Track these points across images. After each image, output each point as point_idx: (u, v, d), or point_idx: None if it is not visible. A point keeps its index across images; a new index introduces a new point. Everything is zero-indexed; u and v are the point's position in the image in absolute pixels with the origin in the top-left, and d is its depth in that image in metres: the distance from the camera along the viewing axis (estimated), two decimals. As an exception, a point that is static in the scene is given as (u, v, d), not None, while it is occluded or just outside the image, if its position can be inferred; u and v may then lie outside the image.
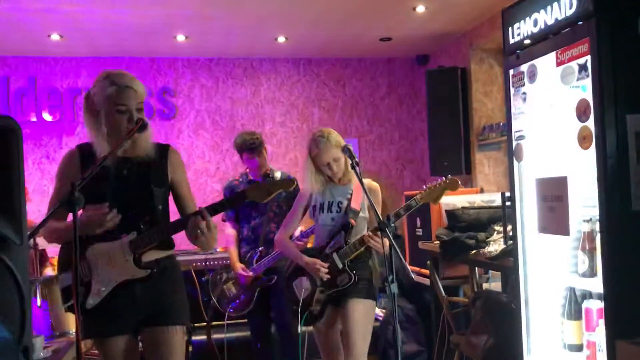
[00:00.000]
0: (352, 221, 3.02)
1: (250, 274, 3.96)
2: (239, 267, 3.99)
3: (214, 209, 2.32)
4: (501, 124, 5.09)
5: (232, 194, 4.08)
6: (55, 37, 5.16)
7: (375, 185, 3.11)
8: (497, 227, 3.75)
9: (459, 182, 3.03)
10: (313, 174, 3.10)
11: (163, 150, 2.47)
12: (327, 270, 3.01)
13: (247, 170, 4.20)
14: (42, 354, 2.68)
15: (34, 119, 5.76)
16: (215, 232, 2.31)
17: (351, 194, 3.07)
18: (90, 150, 2.37)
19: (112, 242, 2.33)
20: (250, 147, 3.98)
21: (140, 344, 2.46)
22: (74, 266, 1.87)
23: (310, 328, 3.14)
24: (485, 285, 4.24)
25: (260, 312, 4.10)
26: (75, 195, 1.98)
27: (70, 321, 3.43)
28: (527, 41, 2.70)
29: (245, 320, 4.25)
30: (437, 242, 4.04)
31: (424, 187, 3.06)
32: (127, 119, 2.32)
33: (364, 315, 2.99)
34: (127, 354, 2.37)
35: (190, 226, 2.27)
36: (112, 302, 2.34)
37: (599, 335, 2.39)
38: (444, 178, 3.03)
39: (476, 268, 4.05)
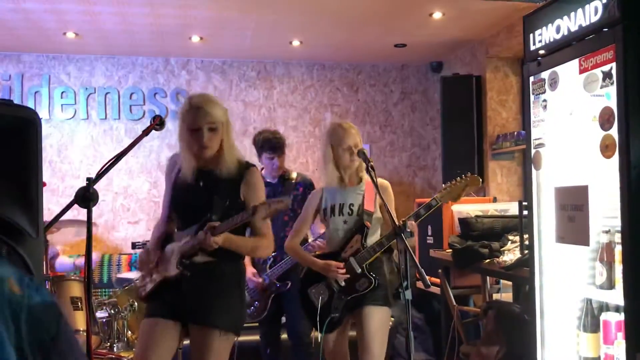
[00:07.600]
0: (367, 223, 2.93)
1: (260, 280, 3.87)
2: (250, 271, 3.90)
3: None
4: (515, 133, 5.05)
5: None
6: (70, 35, 5.17)
7: (386, 182, 3.01)
8: (511, 237, 3.70)
9: (481, 180, 2.92)
10: (331, 165, 2.98)
11: (242, 168, 2.54)
12: (344, 270, 2.91)
13: (262, 170, 4.10)
14: None
15: (47, 116, 5.75)
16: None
17: (363, 195, 2.97)
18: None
19: (177, 242, 2.52)
20: (273, 146, 3.84)
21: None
22: (85, 261, 1.91)
23: (320, 335, 3.05)
24: (496, 296, 4.18)
25: (272, 318, 4.02)
26: (90, 191, 1.98)
27: (79, 319, 3.41)
28: (546, 49, 2.67)
29: (254, 324, 4.17)
30: (449, 250, 3.99)
31: (443, 186, 2.96)
32: (198, 137, 2.42)
33: (383, 323, 2.93)
34: (158, 336, 2.43)
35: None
36: (163, 290, 2.51)
37: (618, 349, 2.34)
38: (463, 175, 2.92)
39: (487, 278, 4.00)
